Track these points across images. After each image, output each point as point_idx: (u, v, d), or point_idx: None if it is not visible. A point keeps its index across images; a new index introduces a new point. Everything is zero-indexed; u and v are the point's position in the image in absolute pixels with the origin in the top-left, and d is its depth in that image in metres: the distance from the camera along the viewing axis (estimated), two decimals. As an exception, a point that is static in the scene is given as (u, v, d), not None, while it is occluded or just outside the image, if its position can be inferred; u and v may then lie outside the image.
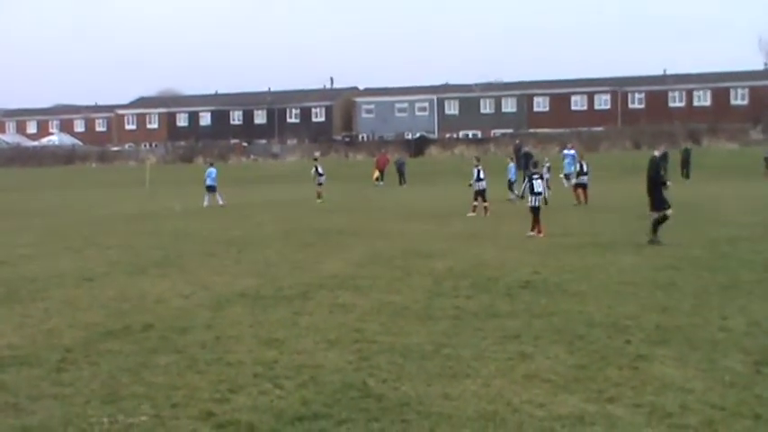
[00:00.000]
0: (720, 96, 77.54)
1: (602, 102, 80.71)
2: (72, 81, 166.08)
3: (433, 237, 18.06)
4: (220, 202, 31.05)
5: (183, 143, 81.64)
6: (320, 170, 33.45)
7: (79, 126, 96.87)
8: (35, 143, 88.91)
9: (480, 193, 24.04)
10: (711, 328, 8.51)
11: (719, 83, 77.69)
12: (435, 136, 78.32)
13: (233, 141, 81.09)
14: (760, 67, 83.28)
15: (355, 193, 36.36)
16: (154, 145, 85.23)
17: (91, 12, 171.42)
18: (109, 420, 5.99)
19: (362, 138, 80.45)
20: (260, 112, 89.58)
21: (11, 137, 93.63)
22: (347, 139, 79.07)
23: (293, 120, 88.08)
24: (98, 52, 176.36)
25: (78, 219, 26.58)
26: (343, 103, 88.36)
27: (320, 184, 32.88)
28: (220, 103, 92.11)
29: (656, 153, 16.85)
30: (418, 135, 76.21)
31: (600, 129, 71.25)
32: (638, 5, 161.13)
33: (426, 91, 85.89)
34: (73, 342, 8.46)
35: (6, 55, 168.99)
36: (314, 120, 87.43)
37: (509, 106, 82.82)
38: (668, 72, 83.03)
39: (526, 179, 18.40)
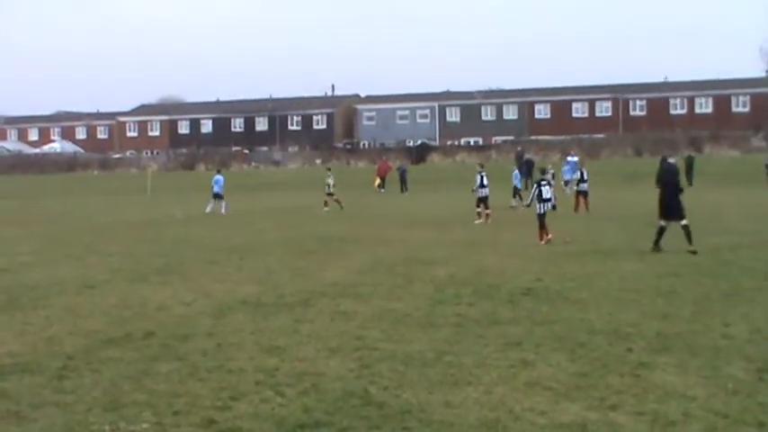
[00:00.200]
0: (722, 104, 77.60)
1: (604, 109, 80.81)
2: (73, 88, 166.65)
3: (434, 244, 18.05)
4: (222, 211, 31.04)
5: (184, 150, 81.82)
6: (332, 182, 33.34)
7: (81, 133, 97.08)
8: (36, 150, 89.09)
9: (483, 200, 24.00)
10: (713, 336, 8.49)
11: (721, 90, 77.77)
12: (437, 143, 78.45)
13: (234, 148, 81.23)
14: (761, 74, 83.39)
15: (356, 201, 36.35)
16: (155, 152, 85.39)
17: (92, 19, 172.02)
18: (110, 428, 5.98)
19: (364, 145, 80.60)
20: (261, 119, 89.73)
21: (12, 144, 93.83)
22: (348, 147, 79.18)
23: (294, 127, 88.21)
24: (100, 59, 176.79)
25: (80, 226, 26.59)
26: (345, 110, 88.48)
27: (330, 194, 32.76)
28: (222, 111, 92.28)
29: (672, 160, 16.84)
30: (419, 142, 76.36)
31: (601, 136, 71.39)
32: (640, 13, 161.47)
33: (427, 98, 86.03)
34: (74, 349, 8.46)
35: (8, 62, 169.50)
36: (315, 127, 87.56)
37: (510, 113, 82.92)
38: (669, 79, 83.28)
39: (535, 186, 18.21)
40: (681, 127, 69.24)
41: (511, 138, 74.40)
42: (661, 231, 15.67)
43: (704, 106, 78.51)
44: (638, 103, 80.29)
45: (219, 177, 32.78)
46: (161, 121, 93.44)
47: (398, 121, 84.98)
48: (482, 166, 25.57)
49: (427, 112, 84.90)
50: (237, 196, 39.61)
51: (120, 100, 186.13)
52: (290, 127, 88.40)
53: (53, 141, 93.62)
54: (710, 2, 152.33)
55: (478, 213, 23.87)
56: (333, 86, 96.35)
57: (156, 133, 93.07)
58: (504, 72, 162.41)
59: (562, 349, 8.04)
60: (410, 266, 14.32)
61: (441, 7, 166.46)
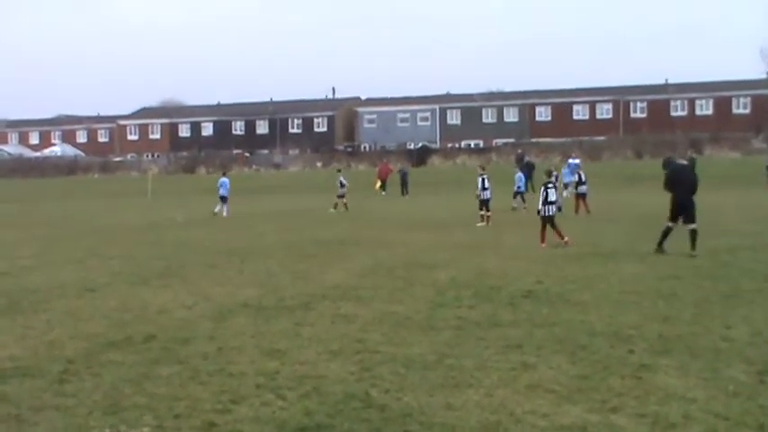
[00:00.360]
0: (722, 105, 77.64)
1: (604, 111, 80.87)
2: (74, 92, 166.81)
3: (435, 246, 18.05)
4: (224, 214, 31.10)
5: (185, 153, 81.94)
6: (344, 181, 33.48)
7: (81, 137, 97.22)
8: (37, 154, 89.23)
9: (484, 203, 23.98)
10: (714, 338, 8.49)
11: (721, 92, 77.81)
12: (437, 146, 78.53)
13: (235, 152, 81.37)
14: (762, 75, 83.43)
15: (357, 203, 36.35)
16: (156, 155, 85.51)
17: (93, 22, 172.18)
18: (111, 431, 5.99)
19: (364, 148, 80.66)
20: (262, 122, 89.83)
21: (13, 148, 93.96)
22: (349, 149, 79.29)
23: (295, 130, 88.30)
24: (100, 63, 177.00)
25: (80, 229, 26.61)
26: (345, 113, 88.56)
27: (341, 196, 32.88)
28: (223, 114, 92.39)
29: (684, 161, 16.85)
30: (420, 145, 76.44)
31: (602, 138, 71.47)
32: (640, 15, 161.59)
33: (428, 101, 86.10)
34: (75, 353, 8.46)
35: (8, 66, 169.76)
36: (316, 130, 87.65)
37: (511, 116, 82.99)
38: (670, 81, 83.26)
39: (542, 188, 18.09)
40: (681, 129, 69.27)
41: (512, 140, 74.49)
42: (666, 233, 15.58)
43: (705, 108, 78.58)
44: (638, 105, 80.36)
45: (225, 180, 32.81)
46: (162, 125, 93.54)
47: (399, 124, 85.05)
48: (483, 169, 25.56)
49: (428, 114, 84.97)
50: (238, 199, 39.64)
51: (120, 103, 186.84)
52: (290, 130, 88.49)
53: (54, 145, 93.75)
54: (710, 3, 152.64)
55: (481, 216, 23.86)
56: (333, 89, 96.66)
57: (157, 136, 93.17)
58: (504, 74, 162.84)
59: (563, 351, 8.04)
60: (411, 269, 14.32)
61: (440, 10, 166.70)
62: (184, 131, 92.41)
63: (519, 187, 30.19)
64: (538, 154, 60.97)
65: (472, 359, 7.83)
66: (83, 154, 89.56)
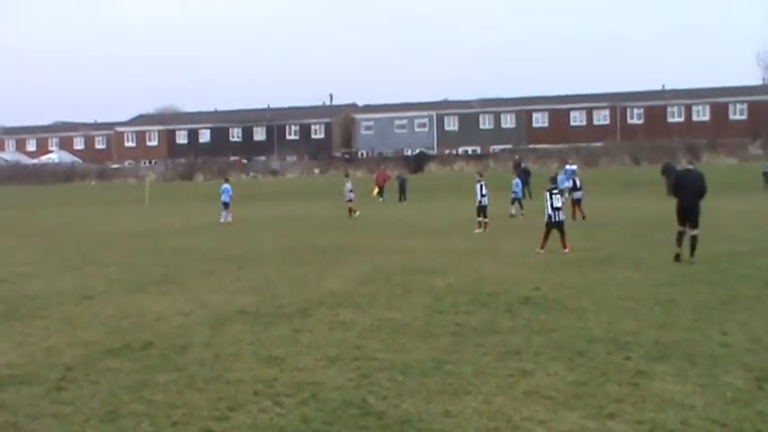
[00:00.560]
0: (719, 111, 77.79)
1: (602, 117, 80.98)
2: (71, 99, 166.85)
3: (432, 253, 18.04)
4: (221, 220, 31.08)
5: (182, 160, 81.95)
6: (350, 187, 33.52)
7: (79, 144, 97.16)
8: (34, 161, 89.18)
9: (482, 209, 23.96)
10: (711, 344, 8.49)
11: (718, 98, 77.97)
12: (435, 152, 78.55)
13: (232, 158, 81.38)
14: (758, 81, 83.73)
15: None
16: (153, 162, 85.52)
17: (90, 29, 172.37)
18: (108, 439, 5.98)
19: (362, 154, 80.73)
20: (259, 128, 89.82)
21: (10, 155, 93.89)
22: (347, 156, 79.33)
23: (293, 136, 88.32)
24: (97, 70, 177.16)
25: (78, 236, 26.58)
26: (343, 119, 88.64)
27: (349, 201, 32.96)
28: (220, 120, 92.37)
29: (692, 166, 16.88)
30: (418, 151, 76.50)
31: (599, 144, 71.55)
32: (640, 15, 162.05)
33: (425, 107, 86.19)
34: (73, 360, 8.45)
35: (6, 72, 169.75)
36: (313, 136, 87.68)
37: (508, 122, 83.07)
38: (667, 87, 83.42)
39: (546, 195, 17.98)
40: (678, 135, 69.40)
41: (509, 146, 74.62)
42: (680, 238, 15.55)
43: (701, 114, 78.71)
44: (635, 111, 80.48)
45: (227, 186, 32.78)
46: (159, 131, 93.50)
47: (396, 131, 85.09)
48: (481, 176, 25.57)
49: (425, 121, 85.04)
50: (235, 206, 39.51)
51: (117, 110, 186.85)
52: (288, 136, 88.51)
53: (51, 152, 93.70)
54: (707, 10, 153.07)
55: (479, 223, 23.85)
56: (331, 96, 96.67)
57: (154, 143, 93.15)
58: (501, 81, 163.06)
59: (560, 358, 8.04)
60: (409, 276, 14.32)
61: (438, 14, 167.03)
62: (182, 138, 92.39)
63: (516, 193, 30.20)
64: (535, 160, 61.07)
65: (470, 366, 7.83)
66: (80, 161, 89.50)
